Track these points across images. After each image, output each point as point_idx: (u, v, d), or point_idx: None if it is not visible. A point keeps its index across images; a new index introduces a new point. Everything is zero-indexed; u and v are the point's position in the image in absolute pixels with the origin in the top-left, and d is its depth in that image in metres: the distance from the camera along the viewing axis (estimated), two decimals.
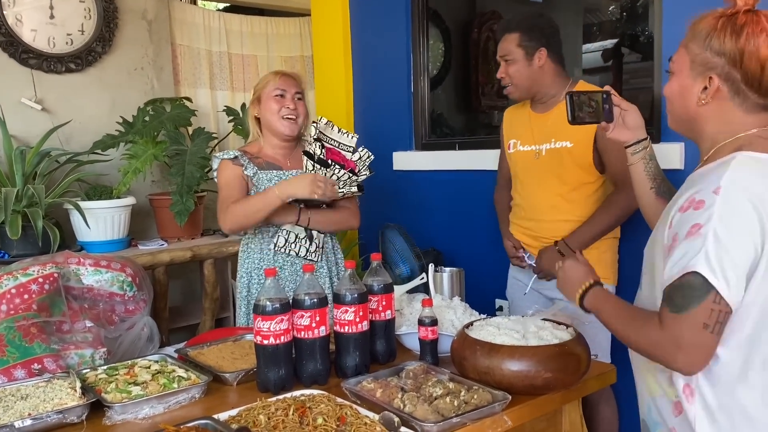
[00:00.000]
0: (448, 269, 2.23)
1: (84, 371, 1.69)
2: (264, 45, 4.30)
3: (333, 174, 2.11)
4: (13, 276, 2.13)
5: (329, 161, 2.13)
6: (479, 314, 1.92)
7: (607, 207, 2.13)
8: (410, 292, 2.19)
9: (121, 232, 3.16)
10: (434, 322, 1.71)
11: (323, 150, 2.13)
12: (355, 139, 2.24)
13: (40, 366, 1.88)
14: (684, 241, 1.15)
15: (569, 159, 2.18)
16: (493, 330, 1.61)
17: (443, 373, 1.58)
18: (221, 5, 4.61)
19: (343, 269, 2.32)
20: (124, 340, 2.37)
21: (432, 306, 1.73)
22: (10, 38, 3.19)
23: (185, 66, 3.94)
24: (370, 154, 2.24)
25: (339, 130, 2.23)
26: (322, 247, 2.25)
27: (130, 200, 3.17)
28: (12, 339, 1.93)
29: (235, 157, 2.21)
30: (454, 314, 1.89)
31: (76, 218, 2.99)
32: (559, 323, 1.68)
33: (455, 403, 1.40)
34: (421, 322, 1.71)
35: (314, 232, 2.21)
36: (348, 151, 2.23)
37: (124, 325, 2.42)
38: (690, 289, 1.12)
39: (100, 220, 3.06)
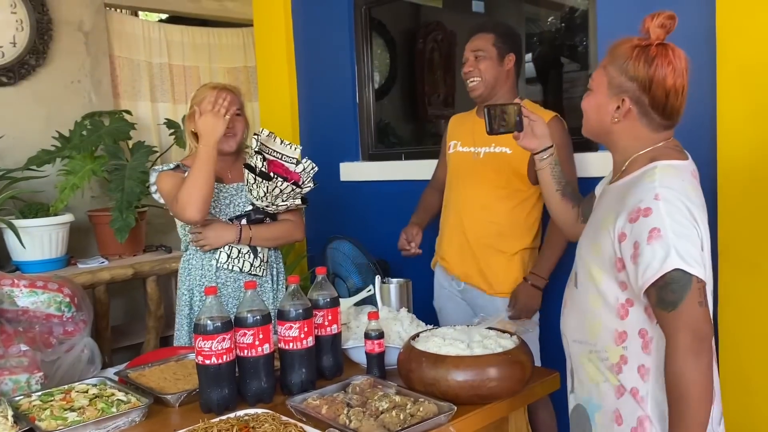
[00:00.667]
0: (395, 280, 2.22)
1: (17, 398, 1.62)
2: (206, 56, 4.24)
3: (276, 186, 2.08)
4: None
5: (271, 174, 2.09)
6: (426, 325, 1.92)
7: (554, 228, 2.17)
8: (358, 304, 2.17)
9: (59, 251, 3.06)
10: (381, 335, 1.70)
11: (264, 162, 2.09)
12: (298, 150, 2.21)
13: None
14: (648, 246, 1.28)
15: (506, 165, 2.24)
16: (438, 341, 1.62)
17: (390, 386, 1.57)
18: (163, 15, 4.52)
19: (284, 284, 2.30)
20: (63, 363, 2.28)
21: (378, 319, 1.73)
22: None
23: (124, 78, 3.85)
24: (314, 165, 2.22)
25: (282, 142, 2.19)
26: (267, 262, 2.22)
27: (67, 217, 3.07)
28: None
29: (177, 167, 2.16)
30: (401, 326, 1.88)
31: (10, 237, 2.89)
32: (504, 332, 1.70)
33: (401, 416, 1.40)
34: (367, 336, 1.70)
35: (258, 247, 2.18)
36: (291, 163, 2.20)
37: (63, 347, 2.34)
38: (676, 284, 1.27)
39: (36, 239, 2.95)
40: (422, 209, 2.54)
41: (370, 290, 2.15)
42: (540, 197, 2.27)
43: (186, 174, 2.10)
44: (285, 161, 2.19)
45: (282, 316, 1.61)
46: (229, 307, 2.13)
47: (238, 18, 4.29)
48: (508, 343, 1.62)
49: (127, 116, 3.47)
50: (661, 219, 1.28)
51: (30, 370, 2.03)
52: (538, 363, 2.27)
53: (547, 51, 3.13)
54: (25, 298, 2.29)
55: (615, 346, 1.40)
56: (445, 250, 2.41)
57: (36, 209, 3.01)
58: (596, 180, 1.69)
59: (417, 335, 1.70)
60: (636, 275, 1.31)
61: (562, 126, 2.22)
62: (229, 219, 2.17)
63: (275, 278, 2.27)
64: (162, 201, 2.21)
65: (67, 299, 2.35)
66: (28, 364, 2.06)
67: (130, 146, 3.37)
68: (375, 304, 2.11)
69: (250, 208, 2.19)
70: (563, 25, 3.06)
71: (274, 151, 2.18)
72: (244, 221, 2.16)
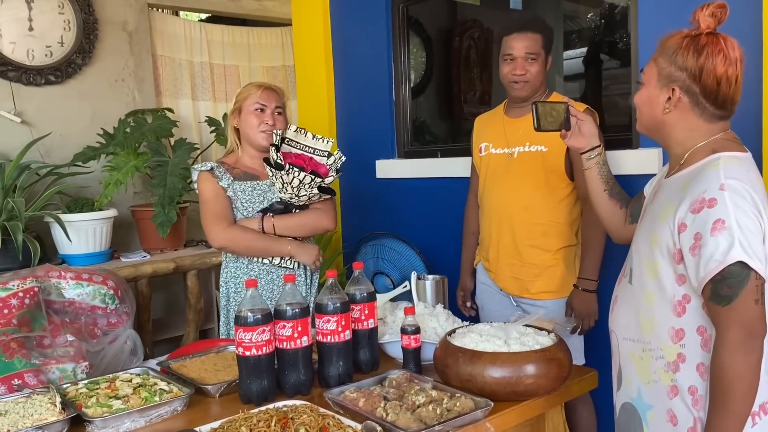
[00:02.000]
0: (431, 277, 2.23)
1: (65, 386, 1.67)
2: (245, 55, 4.30)
3: (294, 177, 2.08)
4: None
5: (286, 165, 2.10)
6: (462, 321, 1.93)
7: (592, 226, 2.14)
8: (393, 300, 2.19)
9: (102, 245, 3.14)
10: (417, 330, 1.71)
11: (278, 154, 2.10)
12: (330, 144, 2.20)
13: (20, 381, 1.86)
14: (711, 237, 1.27)
15: (543, 163, 2.21)
16: (475, 337, 1.62)
17: (426, 381, 1.58)
18: (203, 15, 4.60)
19: (317, 279, 2.32)
20: (107, 353, 2.35)
21: (414, 314, 1.74)
22: None
23: (166, 77, 3.93)
24: (342, 155, 2.21)
25: (313, 136, 2.19)
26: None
27: (111, 212, 3.15)
28: None
29: (211, 169, 2.20)
30: (437, 322, 1.89)
31: (57, 231, 2.97)
32: (541, 329, 1.70)
33: (438, 411, 1.40)
34: (403, 331, 1.71)
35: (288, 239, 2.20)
36: (324, 156, 2.19)
37: (107, 338, 2.40)
38: (733, 279, 1.25)
39: (82, 233, 3.03)
40: (468, 236, 2.53)
41: (405, 286, 2.16)
42: (574, 192, 2.26)
43: (219, 180, 2.17)
44: (316, 155, 2.19)
45: (320, 309, 1.64)
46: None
47: (277, 17, 4.34)
48: (546, 340, 1.62)
49: (169, 114, 3.54)
50: (726, 210, 1.27)
51: (76, 359, 2.09)
52: (582, 360, 2.26)
53: (587, 48, 3.10)
54: (72, 290, 2.36)
55: (671, 344, 1.38)
56: (487, 256, 2.40)
57: (81, 204, 3.09)
58: (634, 178, 1.67)
59: (453, 331, 1.71)
60: (696, 267, 1.29)
61: (594, 119, 2.19)
62: (257, 212, 2.20)
63: (308, 273, 2.29)
64: None
65: (111, 291, 2.42)
66: (74, 354, 2.13)
67: (172, 143, 3.44)
68: (411, 300, 2.12)
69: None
70: (603, 21, 3.02)
71: (305, 145, 2.19)
72: (269, 214, 2.18)
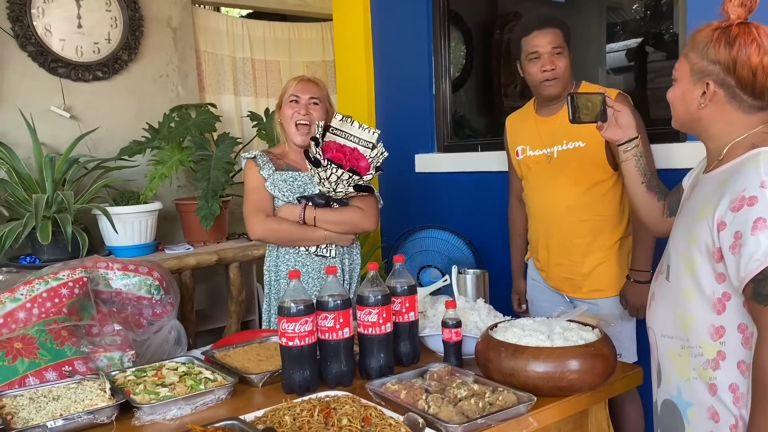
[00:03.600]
0: (471, 271, 2.22)
1: (113, 373, 1.72)
2: (286, 50, 4.33)
3: (332, 173, 2.09)
4: (44, 280, 2.17)
5: (324, 161, 2.10)
6: (503, 316, 1.92)
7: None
8: (434, 294, 2.19)
9: (148, 237, 3.20)
10: (458, 323, 1.71)
11: (318, 149, 2.11)
12: (376, 135, 2.19)
13: (70, 368, 1.91)
14: (752, 236, 1.23)
15: (583, 158, 2.18)
16: (518, 331, 1.61)
17: (468, 374, 1.58)
18: (244, 12, 4.66)
19: (358, 272, 2.34)
20: (152, 342, 2.40)
21: (455, 308, 1.73)
22: (39, 48, 3.26)
23: (209, 72, 3.99)
24: (385, 152, 2.20)
25: (359, 126, 2.19)
26: (336, 246, 2.26)
27: (156, 205, 3.21)
28: (44, 342, 1.97)
29: (254, 157, 2.24)
30: (477, 316, 1.88)
31: (104, 223, 3.05)
32: (585, 324, 1.68)
33: (480, 404, 1.40)
34: (444, 324, 1.71)
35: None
36: (368, 147, 2.18)
37: (152, 328, 2.46)
38: None
39: (128, 225, 3.11)
40: (515, 239, 2.53)
41: (446, 280, 2.15)
42: (618, 181, 2.22)
43: (260, 169, 2.22)
44: (361, 145, 2.18)
45: (361, 301, 1.65)
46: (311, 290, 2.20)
47: (318, 13, 4.36)
48: (590, 335, 1.60)
49: (212, 109, 3.60)
50: (767, 208, 1.23)
51: (123, 348, 2.15)
52: (634, 357, 2.22)
53: (631, 40, 3.04)
54: (119, 280, 2.41)
55: (711, 341, 1.35)
56: (538, 256, 2.38)
57: (127, 197, 3.17)
58: (681, 171, 1.63)
59: (495, 325, 1.70)
60: (737, 267, 1.26)
61: (628, 104, 2.14)
62: (297, 200, 2.23)
63: (349, 267, 2.30)
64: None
65: (157, 282, 2.46)
66: (121, 343, 2.18)
67: (215, 138, 3.49)
68: (451, 294, 2.12)
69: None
70: (648, 12, 2.96)
71: (350, 134, 2.18)
72: (309, 203, 2.20)
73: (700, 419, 1.39)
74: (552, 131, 2.24)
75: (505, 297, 2.53)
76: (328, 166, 2.10)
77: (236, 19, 4.23)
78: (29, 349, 1.92)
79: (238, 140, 3.48)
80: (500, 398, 1.43)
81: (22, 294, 2.13)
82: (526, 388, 1.47)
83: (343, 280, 2.28)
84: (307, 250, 2.23)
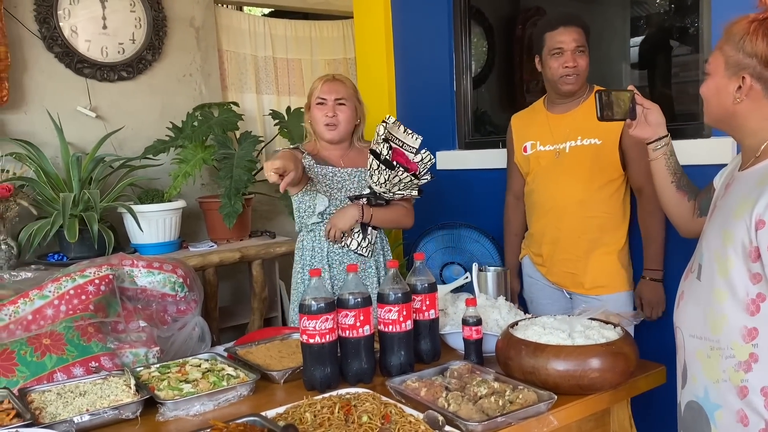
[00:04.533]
0: (492, 269, 2.22)
1: (138, 369, 1.75)
2: (308, 49, 4.35)
3: (396, 176, 2.14)
4: (71, 278, 2.22)
5: (394, 162, 2.15)
6: (524, 314, 1.91)
7: (651, 217, 2.14)
8: (454, 292, 2.18)
9: (172, 235, 3.24)
10: (478, 321, 1.71)
11: (390, 151, 2.14)
12: (419, 141, 2.24)
13: (97, 364, 1.95)
14: None
15: (597, 155, 2.19)
16: (538, 329, 1.60)
17: (488, 372, 1.58)
18: (266, 10, 4.69)
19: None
20: (176, 339, 2.43)
21: (476, 305, 1.73)
22: (66, 49, 3.31)
23: (232, 71, 4.02)
24: (432, 157, 2.26)
25: (405, 130, 2.24)
26: (373, 244, 2.28)
27: (180, 203, 3.25)
28: (71, 338, 2.01)
29: (296, 147, 2.31)
30: (498, 314, 1.88)
31: (129, 221, 3.09)
32: (607, 322, 1.66)
33: (500, 402, 1.40)
34: (465, 322, 1.71)
35: (369, 228, 2.25)
36: (411, 152, 2.23)
37: (176, 324, 2.49)
38: None
39: (152, 223, 3.15)
40: (511, 237, 2.53)
41: (467, 278, 2.15)
42: (626, 182, 2.24)
43: (303, 157, 2.27)
44: (406, 150, 2.23)
45: (382, 299, 1.65)
46: (336, 288, 2.23)
47: (339, 10, 4.37)
48: (611, 334, 1.58)
49: (234, 108, 3.63)
50: None
51: (148, 344, 2.18)
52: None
53: (655, 34, 3.00)
54: (144, 277, 2.45)
55: (743, 343, 1.32)
56: (539, 252, 2.38)
57: (152, 195, 3.20)
58: (705, 168, 1.61)
59: (516, 323, 1.70)
60: (750, 265, 1.25)
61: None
62: (347, 199, 2.27)
63: (381, 262, 2.32)
64: None
65: (181, 280, 2.50)
66: (146, 339, 2.21)
67: (238, 136, 3.52)
68: (472, 291, 2.12)
69: (367, 191, 2.26)
70: (672, 6, 2.91)
71: (398, 138, 2.23)
72: (364, 201, 2.24)
73: (728, 422, 1.36)
74: (564, 127, 2.27)
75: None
76: (398, 168, 2.15)
77: (258, 18, 4.26)
78: (57, 345, 1.96)
79: (261, 138, 3.51)
80: (520, 396, 1.42)
81: (50, 291, 2.18)
82: (546, 387, 1.47)
83: (378, 277, 2.31)
84: (347, 247, 2.27)
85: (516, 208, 2.51)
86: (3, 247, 2.81)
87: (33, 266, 2.87)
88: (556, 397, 1.42)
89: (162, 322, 2.46)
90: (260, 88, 4.15)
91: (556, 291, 2.37)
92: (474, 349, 1.71)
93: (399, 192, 2.19)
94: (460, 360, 1.68)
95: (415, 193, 2.24)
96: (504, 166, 2.95)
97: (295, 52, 4.30)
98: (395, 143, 2.21)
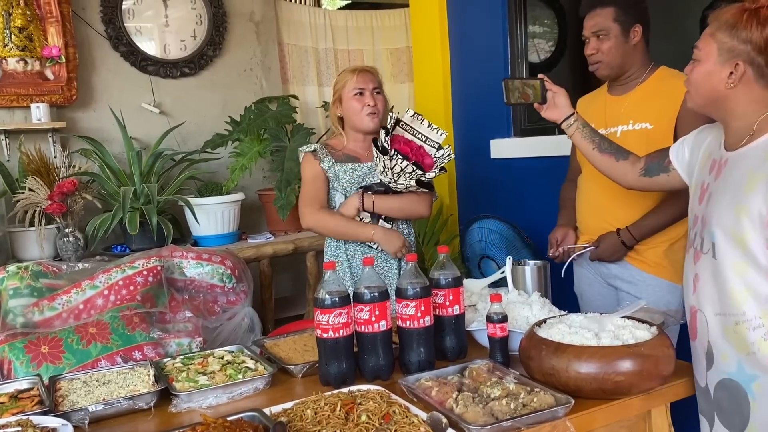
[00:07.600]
0: (531, 262, 2.11)
1: (165, 360, 1.78)
2: (369, 39, 4.32)
3: (396, 164, 2.09)
4: (121, 269, 2.30)
5: (392, 150, 2.11)
6: (560, 311, 1.79)
7: (675, 197, 1.96)
8: (493, 286, 2.10)
9: (231, 226, 3.31)
10: (503, 318, 1.62)
11: (387, 138, 2.12)
12: (444, 136, 2.21)
13: (140, 353, 2.01)
14: None
15: (648, 140, 2.02)
16: (563, 328, 1.51)
17: (509, 373, 1.49)
18: (326, 2, 4.69)
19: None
20: (224, 329, 2.48)
21: (501, 301, 1.64)
22: (130, 48, 3.44)
23: (293, 64, 4.05)
24: (451, 154, 2.22)
25: (429, 125, 2.21)
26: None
27: (238, 196, 3.31)
28: (116, 327, 2.08)
29: (314, 150, 2.28)
30: (530, 310, 1.78)
31: (189, 214, 3.18)
32: (643, 321, 1.54)
33: (512, 405, 1.32)
34: (489, 319, 1.63)
35: (380, 220, 2.23)
36: (433, 147, 2.20)
37: (225, 315, 2.54)
38: None
39: (211, 215, 3.22)
40: (565, 208, 2.38)
41: (503, 272, 2.06)
42: None
43: (320, 162, 2.26)
44: (427, 144, 2.20)
45: (400, 294, 1.60)
46: (356, 281, 2.23)
47: None
48: (644, 334, 1.47)
49: (292, 100, 3.66)
50: None
51: (192, 334, 2.23)
52: None
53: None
54: (192, 269, 2.51)
55: None
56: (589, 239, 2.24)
57: (211, 188, 3.28)
58: None
59: (544, 321, 1.60)
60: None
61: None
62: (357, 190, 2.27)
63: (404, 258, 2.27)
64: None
65: (229, 271, 2.54)
66: (192, 329, 2.26)
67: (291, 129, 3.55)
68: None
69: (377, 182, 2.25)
70: None
71: (419, 132, 2.20)
72: (369, 192, 2.23)
73: (767, 391, 1.37)
74: (619, 110, 2.13)
75: (569, 292, 2.37)
76: (395, 155, 2.11)
77: (318, 9, 4.27)
78: (102, 334, 2.04)
79: (312, 130, 3.51)
80: (535, 399, 1.34)
81: (100, 282, 2.27)
82: (567, 390, 1.38)
83: (400, 271, 2.26)
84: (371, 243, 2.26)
85: (570, 188, 2.39)
86: (71, 238, 2.96)
87: (98, 257, 3.02)
88: (573, 401, 1.33)
89: (211, 313, 2.51)
90: (321, 80, 4.16)
91: (608, 290, 2.22)
92: (499, 348, 1.62)
93: (402, 182, 2.15)
94: (483, 358, 1.60)
95: (413, 183, 2.18)
96: (559, 153, 2.82)
97: (356, 43, 4.28)
98: (417, 136, 2.18)
